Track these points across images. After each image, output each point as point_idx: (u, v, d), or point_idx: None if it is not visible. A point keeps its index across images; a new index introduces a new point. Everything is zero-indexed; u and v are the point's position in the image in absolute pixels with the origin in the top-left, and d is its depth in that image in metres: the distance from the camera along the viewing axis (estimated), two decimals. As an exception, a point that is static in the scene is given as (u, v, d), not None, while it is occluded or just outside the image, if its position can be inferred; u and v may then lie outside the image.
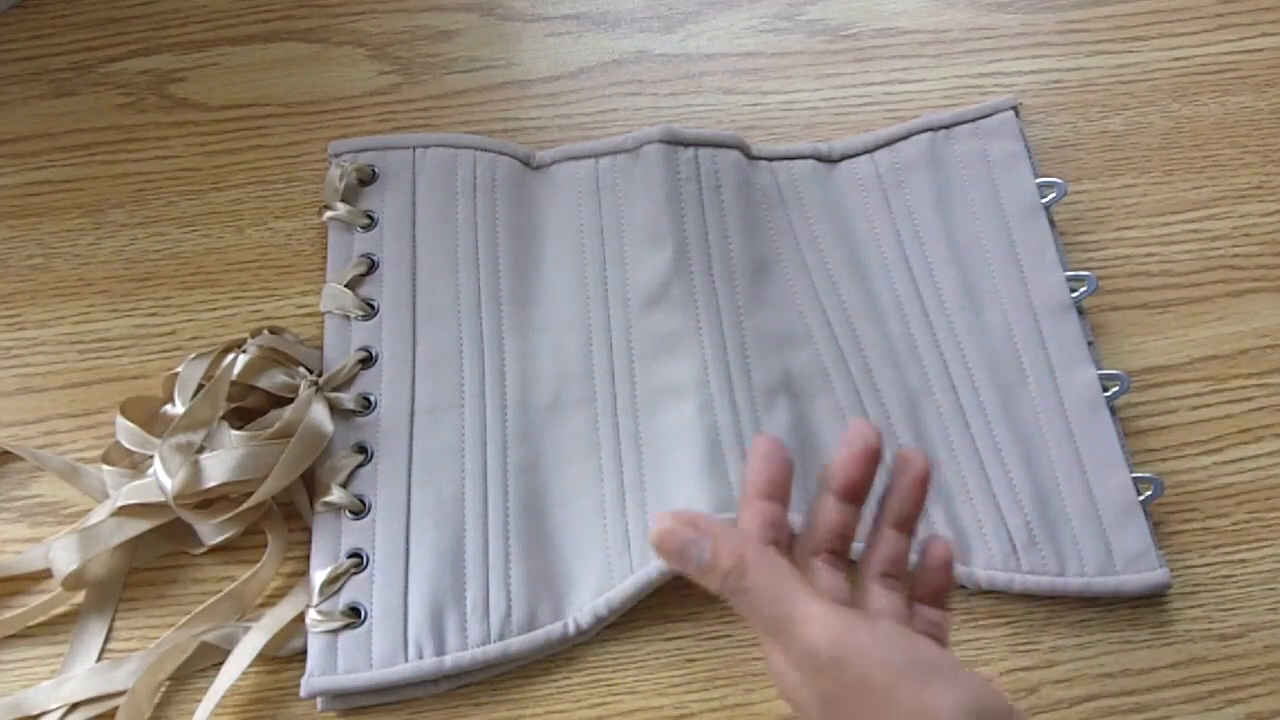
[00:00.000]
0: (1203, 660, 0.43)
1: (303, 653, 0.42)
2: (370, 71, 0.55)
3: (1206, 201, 0.52)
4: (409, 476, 0.45)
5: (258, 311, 0.49)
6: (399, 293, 0.48)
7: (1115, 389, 0.46)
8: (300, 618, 0.43)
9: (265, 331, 0.47)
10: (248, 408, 0.46)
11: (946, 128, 0.52)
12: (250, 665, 0.41)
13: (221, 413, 0.44)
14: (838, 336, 0.47)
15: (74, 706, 0.42)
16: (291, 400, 0.45)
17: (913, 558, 0.36)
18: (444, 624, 0.42)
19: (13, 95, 0.54)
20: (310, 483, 0.45)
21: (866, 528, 0.36)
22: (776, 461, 0.35)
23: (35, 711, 0.42)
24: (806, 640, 0.31)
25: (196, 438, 0.44)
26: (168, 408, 0.46)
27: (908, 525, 0.35)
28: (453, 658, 0.41)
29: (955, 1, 0.57)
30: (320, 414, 0.44)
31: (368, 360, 0.47)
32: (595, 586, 0.43)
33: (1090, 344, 0.47)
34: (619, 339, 0.47)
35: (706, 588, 0.33)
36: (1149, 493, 0.44)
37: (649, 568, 0.42)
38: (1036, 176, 0.50)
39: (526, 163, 0.51)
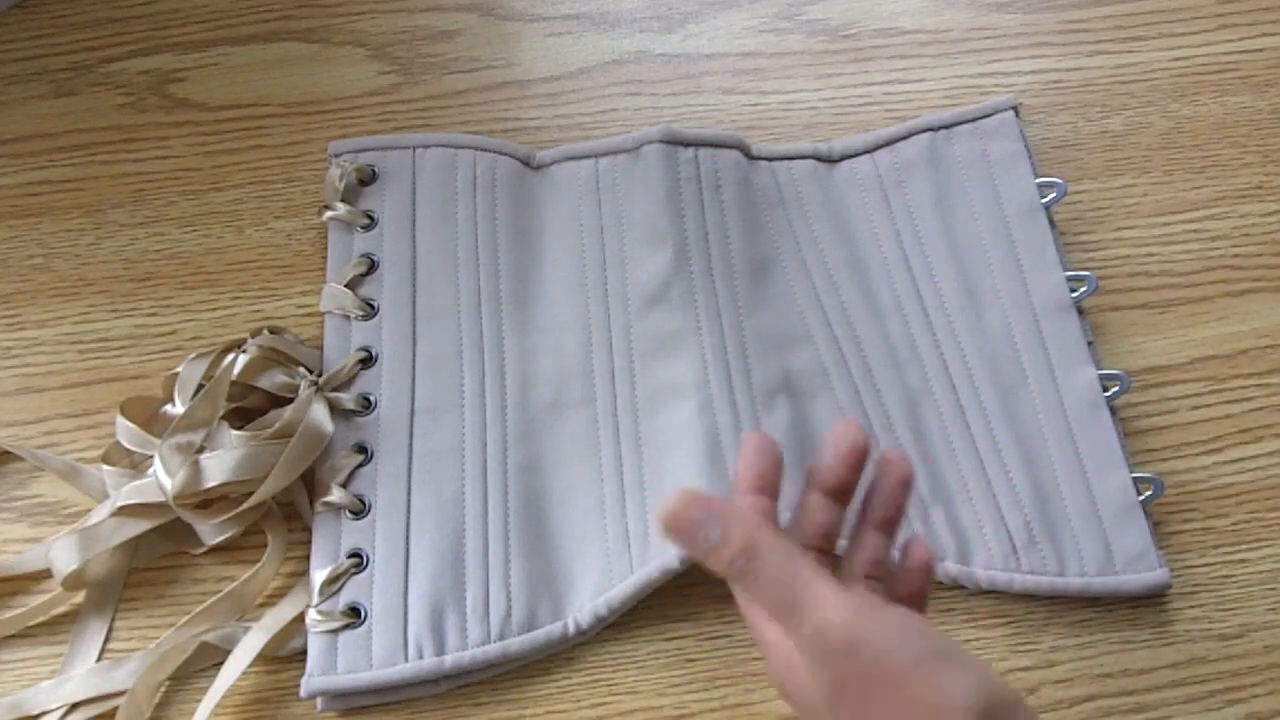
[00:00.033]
0: (1203, 660, 0.43)
1: (303, 653, 0.42)
2: (370, 71, 0.55)
3: (1206, 201, 0.52)
4: (409, 476, 0.45)
5: (258, 311, 0.49)
6: (399, 293, 0.48)
7: (1115, 389, 0.46)
8: (300, 618, 0.43)
9: (265, 331, 0.47)
10: (248, 408, 0.46)
11: (946, 128, 0.52)
12: (250, 665, 0.41)
13: (221, 413, 0.44)
14: (838, 336, 0.47)
15: (74, 706, 0.42)
16: (291, 400, 0.45)
17: (895, 554, 0.36)
18: (444, 624, 0.42)
19: (13, 95, 0.54)
20: (310, 483, 0.45)
21: (850, 527, 0.36)
22: (767, 456, 0.35)
23: (35, 711, 0.42)
24: (819, 622, 0.30)
25: (196, 438, 0.44)
26: (168, 408, 0.46)
27: (890, 527, 0.35)
28: (453, 658, 0.41)
29: (955, 1, 0.57)
30: (320, 414, 0.44)
31: (368, 360, 0.47)
32: (595, 586, 0.43)
33: (1090, 344, 0.47)
34: (619, 339, 0.47)
35: (712, 569, 0.32)
36: (1149, 493, 0.44)
37: (649, 568, 0.42)
38: (1036, 176, 0.50)
39: (526, 163, 0.51)
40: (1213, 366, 0.48)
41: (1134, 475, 0.44)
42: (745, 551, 0.31)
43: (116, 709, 0.41)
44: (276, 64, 0.55)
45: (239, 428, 0.44)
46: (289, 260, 0.50)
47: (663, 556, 0.42)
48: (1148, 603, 0.44)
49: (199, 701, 0.41)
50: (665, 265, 0.47)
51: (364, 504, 0.44)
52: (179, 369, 0.46)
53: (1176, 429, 0.47)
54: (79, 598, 0.44)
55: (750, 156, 0.51)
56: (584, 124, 0.54)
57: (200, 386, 0.45)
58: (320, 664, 0.41)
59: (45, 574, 0.44)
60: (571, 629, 0.42)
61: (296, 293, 0.50)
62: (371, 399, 0.46)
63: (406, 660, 0.41)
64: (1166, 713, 0.42)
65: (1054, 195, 0.50)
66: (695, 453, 0.44)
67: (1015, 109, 0.52)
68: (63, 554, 0.42)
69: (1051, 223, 0.49)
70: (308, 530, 0.44)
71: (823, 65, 0.55)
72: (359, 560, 0.43)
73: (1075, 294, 0.48)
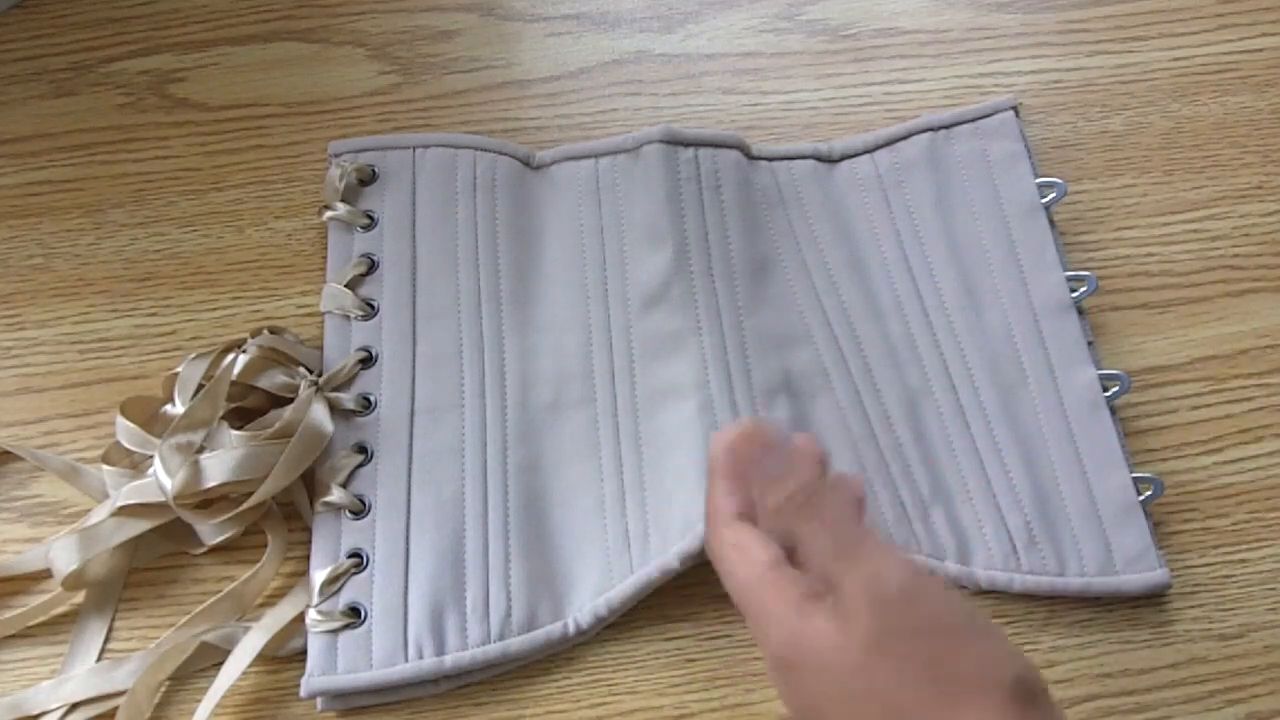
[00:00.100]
0: (1203, 660, 0.43)
1: (303, 653, 0.42)
2: (370, 71, 0.55)
3: (1206, 201, 0.52)
4: (409, 476, 0.45)
5: (258, 311, 0.49)
6: (399, 293, 0.48)
7: (1115, 389, 0.46)
8: (300, 618, 0.43)
9: (265, 331, 0.47)
10: (248, 408, 0.46)
11: (946, 128, 0.52)
12: (250, 665, 0.41)
13: (221, 413, 0.44)
14: (838, 336, 0.47)
15: (74, 706, 0.42)
16: (291, 400, 0.45)
17: None
18: (444, 624, 0.42)
19: (13, 95, 0.54)
20: (310, 483, 0.45)
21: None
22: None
23: (35, 711, 0.42)
24: (878, 568, 0.30)
25: (196, 438, 0.44)
26: (168, 408, 0.46)
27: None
28: (453, 658, 0.41)
29: (955, 1, 0.57)
30: (320, 414, 0.44)
31: (368, 360, 0.47)
32: (595, 586, 0.43)
33: (1090, 344, 0.47)
34: (619, 339, 0.47)
35: (759, 502, 0.31)
36: (1149, 493, 0.44)
37: (649, 568, 0.42)
38: (1036, 176, 0.50)
39: (526, 163, 0.51)
40: (1213, 366, 0.48)
41: (1134, 475, 0.44)
42: (809, 487, 0.31)
43: (116, 709, 0.41)
44: (276, 64, 0.55)
45: (239, 428, 0.44)
46: (289, 260, 0.50)
47: (663, 556, 0.42)
48: (1148, 603, 0.44)
49: (199, 701, 0.41)
50: (665, 265, 0.47)
51: (364, 504, 0.44)
52: (179, 369, 0.46)
53: (1176, 429, 0.47)
54: (79, 598, 0.44)
55: (750, 156, 0.51)
56: (584, 124, 0.54)
57: (200, 386, 0.45)
58: (320, 664, 0.41)
59: (45, 574, 0.44)
60: (571, 629, 0.42)
61: (296, 293, 0.50)
62: (371, 399, 0.46)
63: (406, 660, 0.41)
64: (1166, 713, 0.42)
65: (1054, 195, 0.50)
66: (695, 453, 0.44)
67: (1015, 109, 0.52)
68: (63, 554, 0.42)
69: (1051, 223, 0.49)
70: (308, 530, 0.44)
71: (823, 65, 0.55)
72: (359, 560, 0.43)
73: (1075, 294, 0.48)
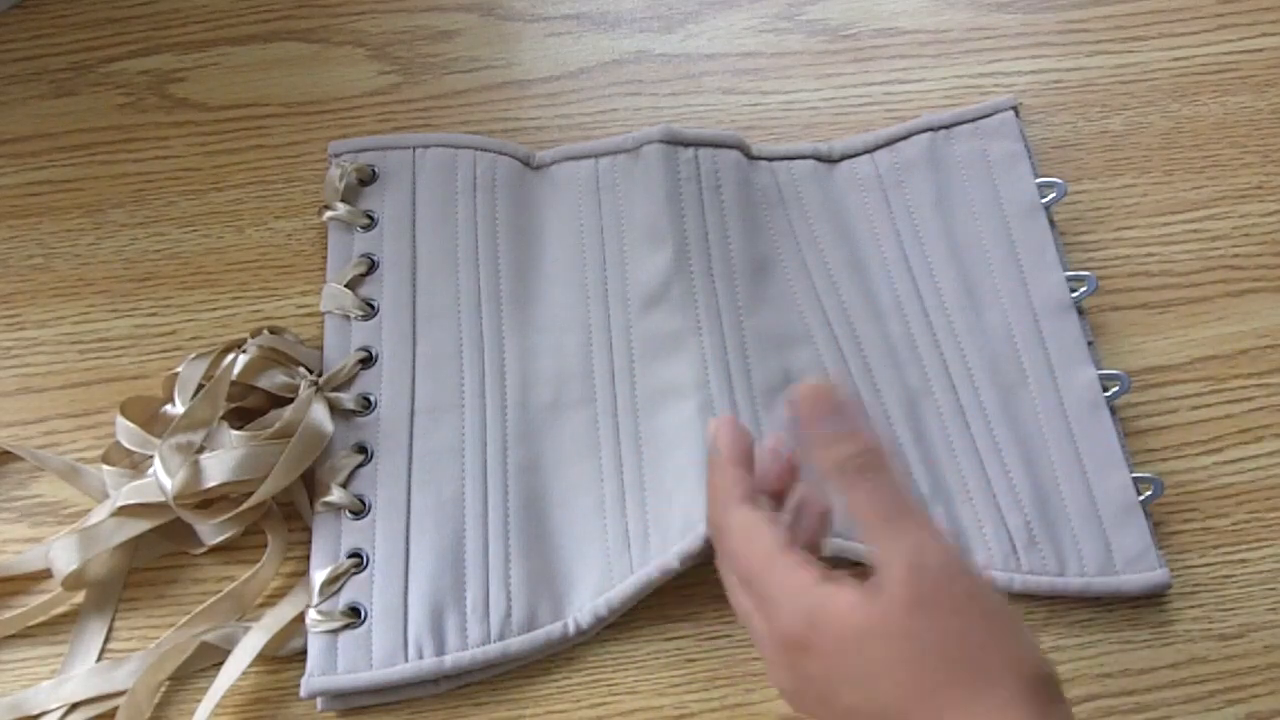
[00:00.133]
0: (1203, 660, 0.43)
1: (303, 653, 0.42)
2: (370, 71, 0.55)
3: (1206, 201, 0.52)
4: (409, 476, 0.45)
5: (258, 311, 0.49)
6: (399, 293, 0.48)
7: (1115, 389, 0.46)
8: (300, 618, 0.43)
9: (265, 331, 0.47)
10: (248, 408, 0.46)
11: (946, 128, 0.52)
12: (250, 665, 0.41)
13: (221, 413, 0.44)
14: (838, 336, 0.47)
15: (74, 706, 0.42)
16: (291, 400, 0.45)
17: None
18: (444, 624, 0.42)
19: (13, 95, 0.54)
20: (310, 483, 0.45)
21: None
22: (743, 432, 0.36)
23: (35, 711, 0.42)
24: (926, 541, 0.30)
25: (196, 438, 0.44)
26: (168, 408, 0.46)
27: (815, 552, 0.35)
28: (453, 658, 0.41)
29: (955, 1, 0.57)
30: (320, 414, 0.44)
31: (368, 360, 0.47)
32: (595, 586, 0.43)
33: (1090, 344, 0.47)
34: (619, 339, 0.47)
35: (816, 461, 0.32)
36: (1149, 493, 0.44)
37: (649, 568, 0.42)
38: (1036, 176, 0.50)
39: (526, 163, 0.51)
40: (1213, 366, 0.48)
41: (1134, 475, 0.44)
42: (868, 452, 0.31)
43: (116, 709, 0.41)
44: (276, 64, 0.55)
45: (239, 428, 0.44)
46: (289, 260, 0.50)
47: (663, 556, 0.42)
48: (1148, 603, 0.44)
49: (199, 701, 0.41)
50: (665, 265, 0.47)
51: (364, 504, 0.44)
52: (179, 369, 0.46)
53: (1176, 429, 0.47)
54: (79, 598, 0.44)
55: (750, 156, 0.51)
56: (584, 124, 0.54)
57: (200, 386, 0.45)
58: (320, 664, 0.41)
59: (45, 574, 0.44)
60: (571, 629, 0.42)
61: (296, 293, 0.50)
62: (371, 399, 0.46)
63: (406, 660, 0.41)
64: (1166, 713, 0.42)
65: (1054, 195, 0.50)
66: (695, 453, 0.44)
67: (1015, 109, 0.52)
68: (63, 554, 0.42)
69: (1051, 223, 0.49)
70: (308, 530, 0.44)
71: (823, 65, 0.55)
72: (359, 560, 0.43)
73: (1075, 294, 0.48)
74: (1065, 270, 0.48)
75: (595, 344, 0.47)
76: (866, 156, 0.52)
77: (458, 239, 0.49)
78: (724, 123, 0.54)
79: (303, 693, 0.41)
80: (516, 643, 0.42)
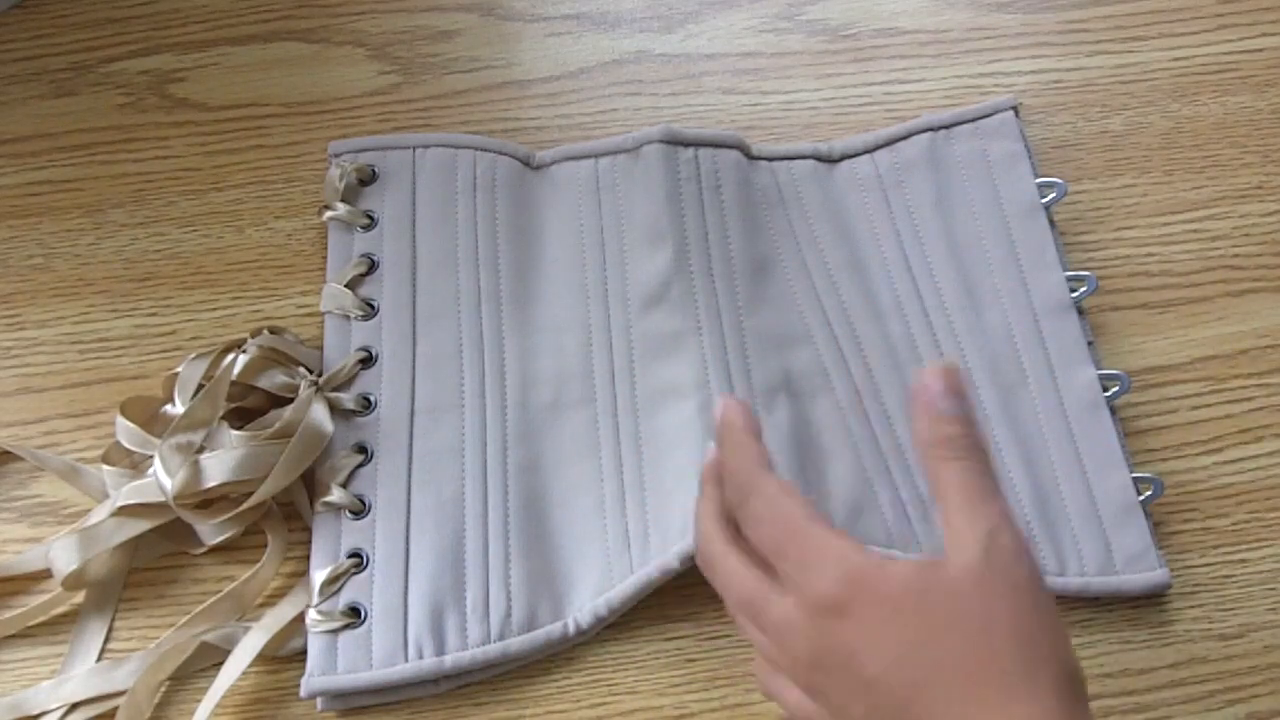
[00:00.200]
0: (1203, 660, 0.43)
1: (303, 653, 0.42)
2: (370, 71, 0.55)
3: (1206, 201, 0.52)
4: (409, 476, 0.45)
5: (258, 311, 0.49)
6: (399, 293, 0.48)
7: (1115, 389, 0.46)
8: (300, 618, 0.43)
9: (265, 331, 0.47)
10: (248, 408, 0.46)
11: (946, 128, 0.52)
12: (250, 665, 0.41)
13: (221, 413, 0.44)
14: (838, 336, 0.47)
15: (74, 706, 0.42)
16: (291, 400, 0.45)
17: None
18: (444, 624, 0.42)
19: (13, 95, 0.54)
20: (310, 483, 0.45)
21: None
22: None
23: (35, 711, 0.42)
24: (1002, 525, 0.31)
25: (196, 438, 0.44)
26: (168, 408, 0.46)
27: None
28: (453, 658, 0.41)
29: (955, 1, 0.57)
30: (320, 414, 0.44)
31: (368, 360, 0.47)
32: (595, 586, 0.43)
33: (1090, 344, 0.47)
34: (619, 339, 0.47)
35: (919, 432, 0.33)
36: (1149, 493, 0.44)
37: (649, 568, 0.42)
38: (1036, 176, 0.50)
39: (526, 163, 0.51)
40: (1213, 366, 0.48)
41: (1134, 475, 0.44)
42: (971, 437, 0.32)
43: (116, 709, 0.41)
44: (276, 64, 0.55)
45: (239, 428, 0.44)
46: (289, 260, 0.50)
47: (663, 556, 0.42)
48: (1148, 603, 0.44)
49: (199, 701, 0.41)
50: (665, 265, 0.47)
51: (364, 504, 0.44)
52: (179, 369, 0.46)
53: (1176, 429, 0.47)
54: (79, 598, 0.44)
55: (750, 156, 0.51)
56: (584, 124, 0.54)
57: (200, 386, 0.45)
58: (320, 664, 0.41)
59: (45, 574, 0.44)
60: (571, 629, 0.42)
61: (296, 293, 0.50)
62: (371, 399, 0.46)
63: (406, 660, 0.41)
64: (1166, 713, 0.42)
65: (1054, 195, 0.50)
66: (695, 453, 0.44)
67: (1015, 109, 0.52)
68: (63, 554, 0.42)
69: (1051, 223, 0.49)
70: (308, 530, 0.44)
71: (823, 65, 0.55)
72: (359, 560, 0.43)
73: (1075, 294, 0.48)
74: (1065, 270, 0.48)
75: (595, 344, 0.47)
76: (866, 156, 0.52)
77: (458, 239, 0.49)
78: (724, 123, 0.54)
79: (303, 693, 0.41)
80: (516, 643, 0.42)
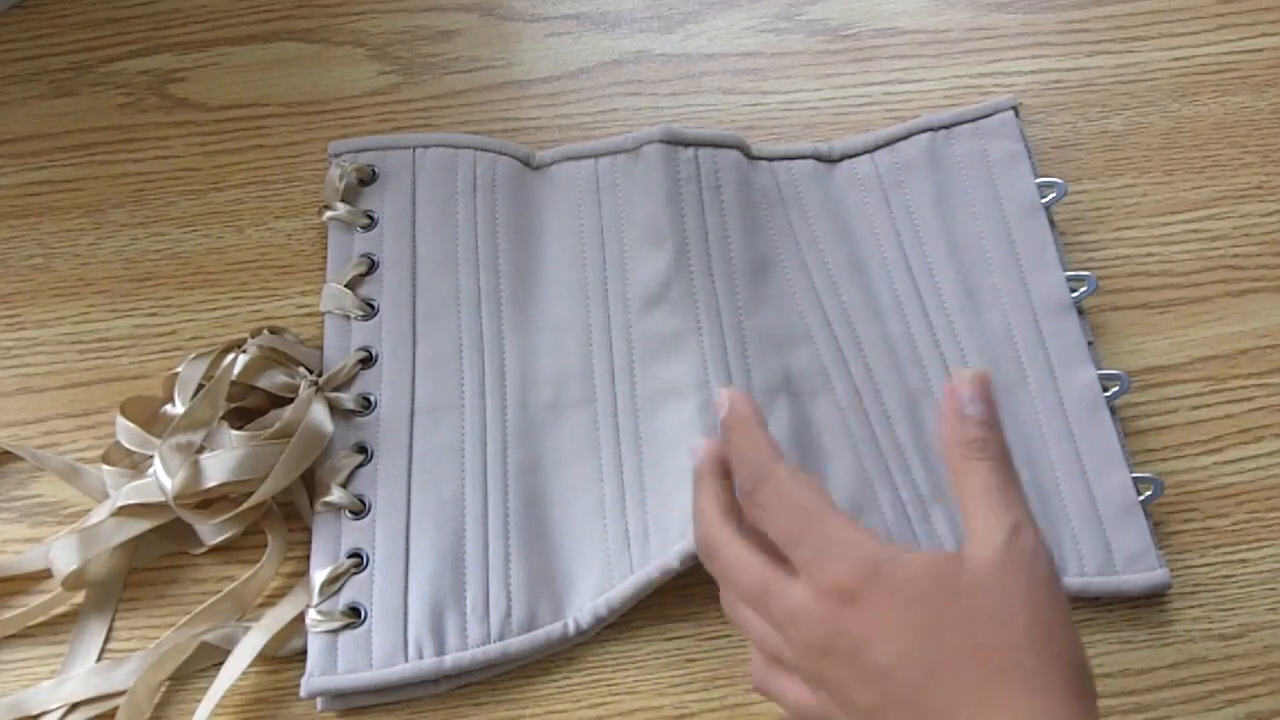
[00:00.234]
0: (1203, 660, 0.43)
1: (303, 653, 0.42)
2: (370, 71, 0.55)
3: (1206, 201, 0.52)
4: (409, 476, 0.45)
5: (258, 311, 0.49)
6: (399, 293, 0.48)
7: (1115, 389, 0.46)
8: (300, 618, 0.43)
9: (265, 331, 0.47)
10: (248, 408, 0.46)
11: (946, 128, 0.52)
12: (250, 665, 0.41)
13: (221, 413, 0.44)
14: (838, 336, 0.47)
15: (74, 706, 0.42)
16: (291, 400, 0.45)
17: None
18: (444, 624, 0.42)
19: (13, 95, 0.54)
20: (310, 483, 0.45)
21: None
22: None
23: (35, 711, 0.42)
24: (1026, 524, 0.31)
25: (196, 438, 0.44)
26: (168, 408, 0.46)
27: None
28: (453, 658, 0.41)
29: (955, 1, 0.57)
30: (320, 414, 0.44)
31: (368, 360, 0.47)
32: (595, 586, 0.43)
33: (1090, 344, 0.47)
34: (619, 339, 0.47)
35: (946, 433, 0.33)
36: (1149, 493, 0.44)
37: (649, 568, 0.42)
38: (1036, 176, 0.50)
39: (526, 163, 0.51)
40: (1213, 366, 0.48)
41: (1134, 475, 0.44)
42: (997, 441, 0.33)
43: (116, 709, 0.41)
44: (276, 64, 0.55)
45: (239, 428, 0.44)
46: (289, 260, 0.50)
47: (663, 556, 0.42)
48: (1148, 603, 0.44)
49: (199, 701, 0.41)
50: (665, 265, 0.47)
51: (364, 504, 0.44)
52: (179, 369, 0.46)
53: (1176, 429, 0.47)
54: (79, 598, 0.44)
55: (750, 156, 0.51)
56: (584, 124, 0.54)
57: (200, 386, 0.45)
58: (320, 664, 0.41)
59: (45, 574, 0.44)
60: (571, 629, 0.42)
61: (296, 293, 0.50)
62: (371, 399, 0.46)
63: (406, 660, 0.41)
64: (1166, 713, 0.42)
65: (1054, 195, 0.50)
66: (695, 453, 0.44)
67: (1015, 109, 0.52)
68: (63, 554, 0.42)
69: (1051, 223, 0.49)
70: (308, 530, 0.44)
71: (823, 65, 0.55)
72: (359, 560, 0.43)
73: (1075, 294, 0.48)
74: (1065, 270, 0.48)
75: (595, 344, 0.47)
76: (866, 156, 0.52)
77: (458, 239, 0.49)
78: (724, 123, 0.54)
79: (303, 693, 0.41)
80: (516, 643, 0.42)
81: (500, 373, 0.47)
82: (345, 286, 0.48)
